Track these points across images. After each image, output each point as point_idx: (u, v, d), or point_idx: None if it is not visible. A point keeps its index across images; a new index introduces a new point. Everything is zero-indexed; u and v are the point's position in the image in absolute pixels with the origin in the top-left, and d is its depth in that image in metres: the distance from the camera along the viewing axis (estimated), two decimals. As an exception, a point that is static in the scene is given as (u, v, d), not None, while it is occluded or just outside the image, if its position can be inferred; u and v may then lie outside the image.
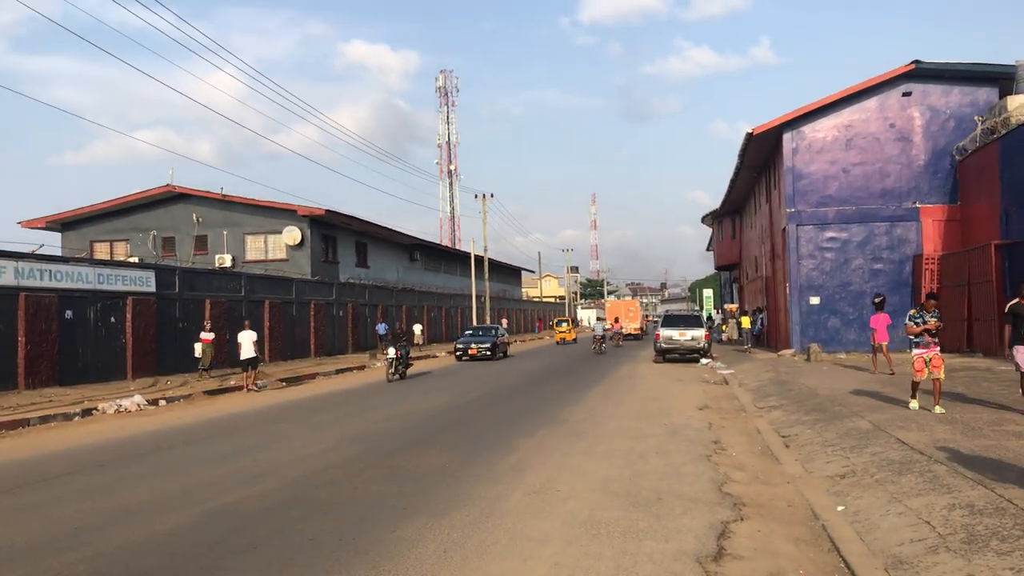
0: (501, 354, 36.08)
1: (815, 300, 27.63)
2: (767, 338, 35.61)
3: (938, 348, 12.10)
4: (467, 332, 38.21)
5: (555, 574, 5.73)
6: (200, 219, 40.05)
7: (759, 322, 36.66)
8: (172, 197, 40.28)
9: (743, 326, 39.18)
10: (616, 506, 7.67)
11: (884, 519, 6.75)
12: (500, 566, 5.96)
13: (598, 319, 47.41)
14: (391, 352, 24.51)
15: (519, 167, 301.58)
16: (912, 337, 12.21)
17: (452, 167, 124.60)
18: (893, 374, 18.32)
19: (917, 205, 27.02)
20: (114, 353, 24.27)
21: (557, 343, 52.69)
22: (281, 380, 24.54)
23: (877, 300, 19.84)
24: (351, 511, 7.68)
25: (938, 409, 11.69)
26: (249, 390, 21.82)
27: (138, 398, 18.42)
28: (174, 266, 29.42)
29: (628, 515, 7.30)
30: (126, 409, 17.67)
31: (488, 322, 56.29)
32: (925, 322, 12.03)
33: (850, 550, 6.17)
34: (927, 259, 26.34)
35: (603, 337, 38.13)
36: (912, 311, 12.42)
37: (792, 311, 27.94)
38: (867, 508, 7.21)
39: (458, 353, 34.57)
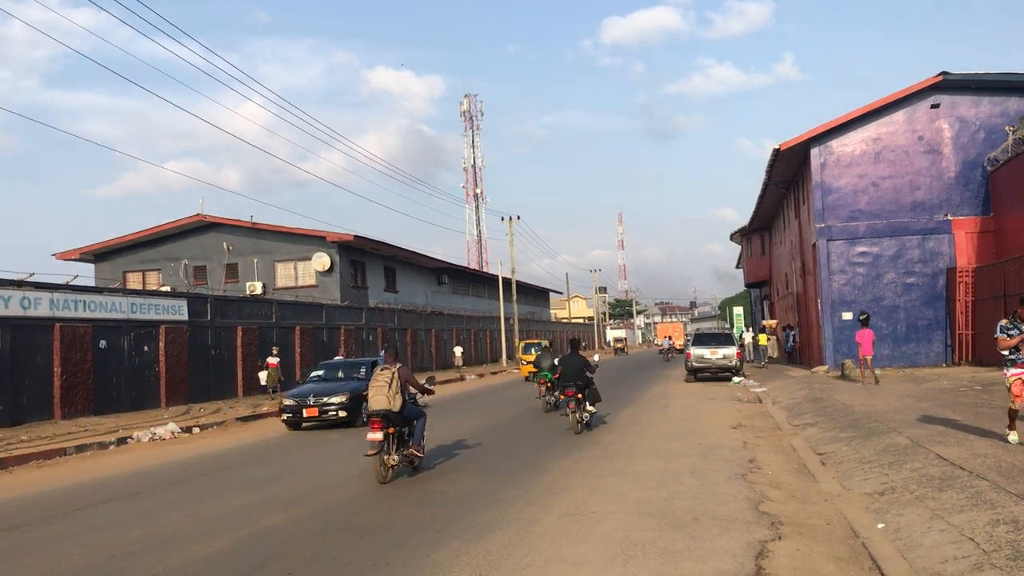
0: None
1: (847, 316, 27.30)
2: (800, 355, 35.25)
3: None
4: (314, 374, 20.99)
5: (592, 596, 5.67)
6: (230, 247, 40.52)
7: (791, 339, 36.34)
8: (203, 226, 40.84)
9: (760, 343, 38.91)
10: (651, 527, 7.59)
11: (926, 536, 6.63)
12: (536, 589, 5.91)
13: (664, 337, 67.06)
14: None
15: (545, 188, 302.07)
16: (1005, 353, 9.85)
17: (478, 190, 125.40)
18: (875, 383, 20.71)
19: (949, 217, 26.70)
20: (147, 382, 24.54)
21: (525, 379, 34.55)
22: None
23: (862, 317, 21.72)
24: (386, 536, 7.67)
25: (1013, 437, 9.82)
26: None
27: (172, 426, 18.59)
28: (206, 294, 29.76)
29: (664, 536, 7.22)
30: (160, 437, 17.83)
31: (518, 345, 56.15)
32: (1021, 332, 9.67)
33: (892, 568, 6.05)
34: (961, 272, 25.99)
35: (669, 348, 57.98)
36: (1004, 321, 10.01)
37: (824, 327, 27.64)
38: (908, 525, 7.08)
39: (286, 416, 18.57)
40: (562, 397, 15.32)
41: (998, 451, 9.42)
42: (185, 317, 26.34)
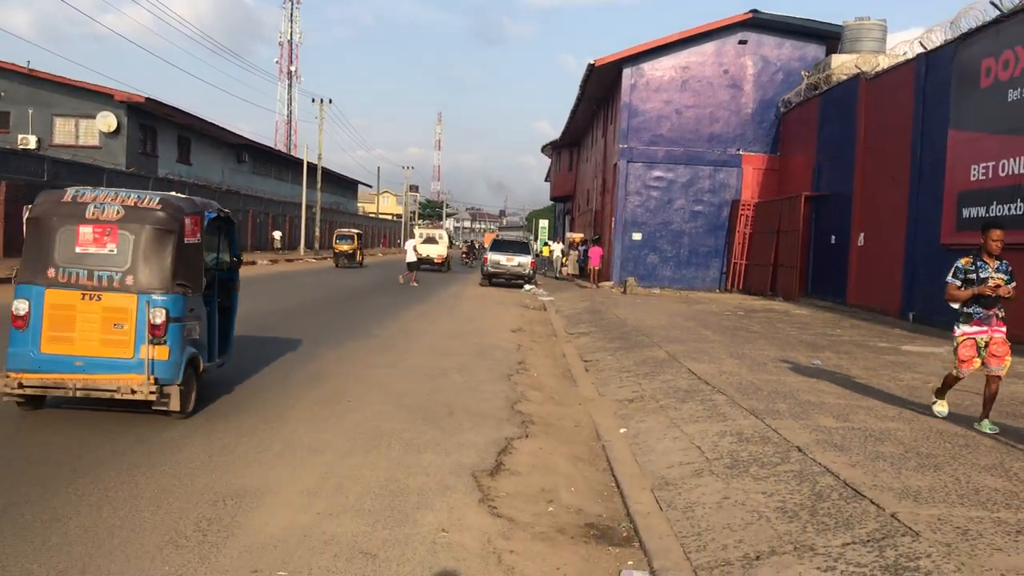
0: None
1: (637, 236, 28.39)
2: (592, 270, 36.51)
3: (1004, 327, 6.94)
4: None
5: (321, 484, 5.50)
6: (2, 93, 36.40)
7: (584, 254, 37.57)
8: (-31, 66, 36.32)
9: (543, 254, 41.27)
10: (405, 419, 7.52)
11: (660, 443, 6.94)
12: (265, 474, 5.67)
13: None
14: None
15: (366, 78, 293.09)
16: (958, 307, 6.99)
17: (293, 68, 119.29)
18: (596, 287, 27.69)
19: (740, 152, 28.05)
20: None
21: (336, 266, 38.00)
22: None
23: (595, 238, 28.91)
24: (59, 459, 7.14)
25: (987, 426, 6.85)
26: None
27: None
28: (-35, 142, 26.67)
29: (414, 428, 7.18)
30: None
31: (318, 235, 54.63)
32: (981, 281, 6.80)
33: (623, 471, 6.29)
34: (744, 205, 27.52)
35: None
36: (963, 260, 6.98)
37: (615, 245, 28.62)
38: (647, 431, 7.39)
39: None
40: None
41: (743, 370, 10.04)
42: (-64, 164, 23.52)
